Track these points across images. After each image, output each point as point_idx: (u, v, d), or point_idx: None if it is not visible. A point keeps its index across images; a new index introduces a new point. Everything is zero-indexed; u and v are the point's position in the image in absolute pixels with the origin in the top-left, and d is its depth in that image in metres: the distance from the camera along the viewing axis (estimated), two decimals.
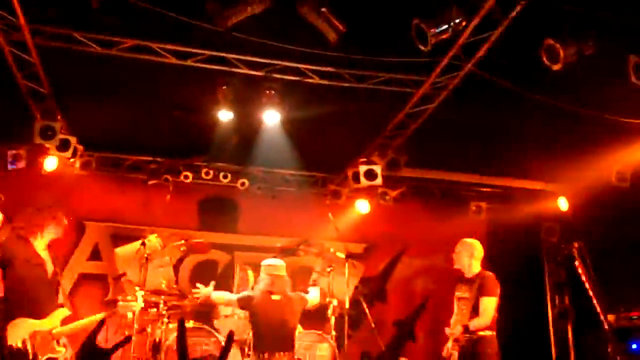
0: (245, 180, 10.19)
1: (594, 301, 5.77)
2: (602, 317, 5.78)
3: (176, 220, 9.85)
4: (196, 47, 7.00)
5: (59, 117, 7.88)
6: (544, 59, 5.67)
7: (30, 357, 5.24)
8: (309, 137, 8.76)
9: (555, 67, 5.64)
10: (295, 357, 6.60)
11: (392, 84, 7.52)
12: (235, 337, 7.38)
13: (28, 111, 7.81)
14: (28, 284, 5.42)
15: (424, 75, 7.27)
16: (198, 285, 6.79)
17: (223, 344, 7.19)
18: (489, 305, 6.29)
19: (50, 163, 8.67)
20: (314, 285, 7.50)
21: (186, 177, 9.87)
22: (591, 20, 5.52)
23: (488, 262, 6.85)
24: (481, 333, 6.24)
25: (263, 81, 7.42)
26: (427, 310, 10.02)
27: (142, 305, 6.72)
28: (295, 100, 7.77)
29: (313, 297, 6.87)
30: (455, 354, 6.34)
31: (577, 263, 5.89)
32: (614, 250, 8.83)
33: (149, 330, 7.52)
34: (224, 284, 8.21)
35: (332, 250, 8.04)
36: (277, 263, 6.73)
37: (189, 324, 7.63)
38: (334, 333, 7.67)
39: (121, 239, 9.30)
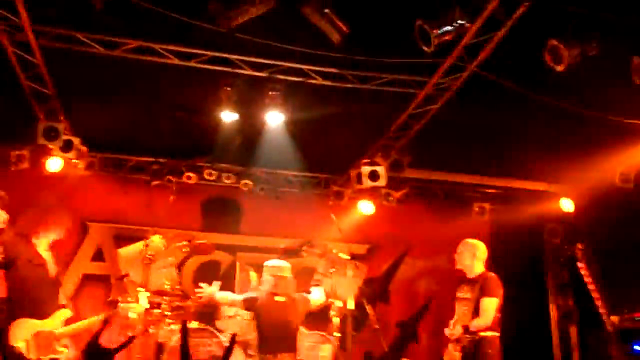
0: (249, 181, 10.19)
1: (598, 302, 5.76)
2: (605, 319, 5.78)
3: (179, 221, 9.84)
4: (199, 48, 7.00)
5: (62, 118, 7.89)
6: (548, 60, 5.66)
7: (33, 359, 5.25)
8: (312, 138, 8.77)
9: (559, 68, 5.63)
10: (298, 358, 6.60)
11: (396, 85, 7.51)
12: (238, 338, 7.42)
13: (31, 112, 7.82)
14: (30, 284, 5.43)
15: (427, 76, 7.27)
16: (202, 285, 6.78)
17: (226, 344, 7.20)
18: (490, 305, 6.27)
19: (54, 164, 8.67)
20: (317, 285, 7.50)
21: (189, 178, 9.87)
22: (595, 21, 5.51)
23: (491, 263, 6.85)
24: (483, 334, 6.23)
25: (266, 82, 7.42)
26: (430, 311, 10.00)
27: (147, 306, 6.72)
28: (299, 101, 7.77)
29: (316, 297, 6.87)
30: (458, 355, 6.33)
31: (580, 264, 5.89)
32: (618, 252, 8.82)
33: (152, 331, 7.52)
34: (226, 284, 8.21)
35: (335, 251, 8.03)
36: (282, 264, 6.73)
37: (193, 324, 7.63)
38: (337, 334, 7.66)
39: (124, 239, 9.28)
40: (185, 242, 7.98)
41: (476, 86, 7.09)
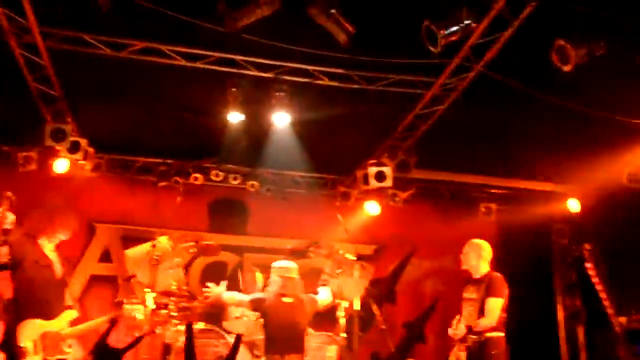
0: (255, 182, 10.19)
1: (605, 303, 5.74)
2: (613, 319, 5.76)
3: (186, 222, 9.86)
4: (205, 49, 7.02)
5: (69, 120, 7.91)
6: (555, 60, 5.65)
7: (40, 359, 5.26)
8: (318, 139, 8.77)
9: (566, 68, 5.61)
10: (305, 358, 6.60)
11: (402, 85, 7.51)
12: (245, 339, 7.42)
13: (39, 113, 7.84)
14: (37, 285, 5.45)
15: (433, 76, 7.26)
16: (209, 284, 6.78)
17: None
18: (495, 305, 6.26)
19: (61, 165, 8.69)
20: (324, 285, 7.49)
21: (196, 179, 9.88)
22: (602, 21, 5.50)
23: (498, 263, 6.83)
24: (489, 334, 6.21)
25: (273, 83, 7.43)
26: (436, 311, 10.00)
27: (154, 306, 6.73)
28: (305, 102, 7.77)
29: (324, 298, 6.87)
30: (463, 355, 6.32)
31: (588, 265, 5.87)
32: (625, 252, 8.79)
33: (159, 331, 7.52)
34: (233, 285, 8.21)
35: (341, 252, 8.02)
36: (289, 265, 6.73)
37: (199, 325, 7.64)
38: (343, 335, 7.65)
39: (131, 240, 9.27)
40: (192, 243, 7.99)
41: (483, 86, 7.07)
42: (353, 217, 9.99)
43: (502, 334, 6.29)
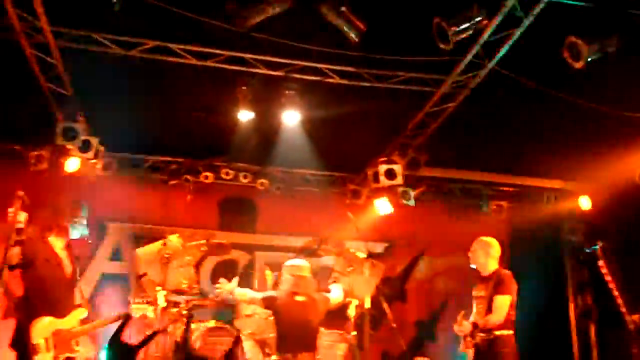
0: (265, 181, 10.21)
1: (618, 301, 5.70)
2: (626, 317, 5.72)
3: (196, 220, 9.88)
4: (216, 47, 7.03)
5: (80, 119, 7.94)
6: (567, 56, 5.62)
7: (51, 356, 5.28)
8: (328, 137, 8.76)
9: (578, 65, 5.58)
10: (317, 357, 6.59)
11: (412, 83, 7.50)
12: (256, 337, 7.44)
13: (50, 113, 7.87)
14: (48, 284, 5.46)
15: (444, 74, 7.24)
16: (221, 280, 6.78)
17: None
18: (503, 303, 6.22)
19: (72, 164, 8.70)
20: (335, 282, 7.49)
21: (206, 177, 9.91)
22: (614, 17, 5.47)
23: (510, 261, 6.82)
24: (498, 332, 6.18)
25: (283, 81, 7.44)
26: (448, 310, 9.98)
27: (164, 304, 6.75)
28: (315, 100, 7.77)
29: (336, 296, 6.86)
30: (470, 352, 6.30)
31: (600, 262, 5.83)
32: (638, 249, 8.74)
33: (170, 329, 7.55)
34: (243, 283, 8.22)
35: (352, 250, 8.02)
36: (301, 264, 6.73)
37: (210, 323, 7.66)
38: (354, 333, 7.65)
39: (142, 239, 9.32)
40: (202, 241, 8.02)
41: (494, 83, 7.04)
42: (363, 215, 9.98)
43: (511, 332, 6.25)
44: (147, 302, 7.22)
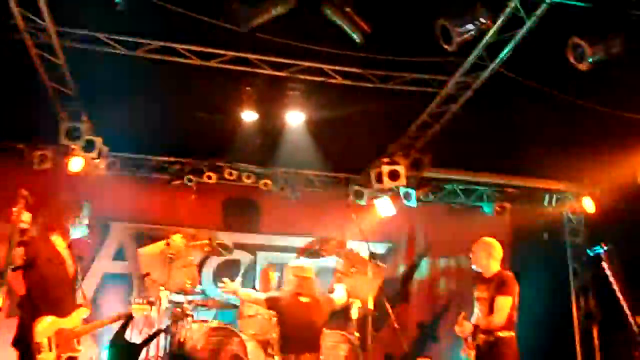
0: (268, 181, 10.22)
1: (622, 303, 5.69)
2: (630, 320, 5.71)
3: (199, 220, 9.87)
4: (220, 48, 7.04)
5: (84, 119, 7.96)
6: (571, 58, 5.61)
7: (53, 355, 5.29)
8: (332, 138, 8.76)
9: (582, 67, 5.57)
10: (321, 357, 6.59)
11: (416, 84, 7.50)
12: (259, 338, 7.44)
13: (54, 112, 7.88)
14: (50, 283, 5.45)
15: (447, 75, 7.24)
16: (224, 279, 6.78)
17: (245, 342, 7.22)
18: (504, 304, 6.19)
19: (76, 164, 8.71)
20: (339, 282, 7.48)
21: (209, 177, 9.92)
22: (617, 18, 5.46)
23: (512, 263, 6.80)
24: (499, 334, 6.15)
25: (287, 82, 7.44)
26: (450, 311, 9.97)
27: (167, 304, 6.74)
28: (319, 101, 7.77)
29: (340, 296, 6.85)
30: (472, 353, 6.29)
31: (604, 264, 5.83)
32: None
33: (172, 329, 7.55)
34: (246, 283, 8.23)
35: (355, 250, 8.02)
36: (305, 265, 6.72)
37: (213, 323, 7.66)
38: (357, 334, 7.65)
39: (145, 239, 9.34)
40: (205, 241, 8.03)
41: (497, 85, 7.04)
42: (366, 215, 9.98)
43: (512, 334, 6.23)
44: (148, 302, 7.22)
